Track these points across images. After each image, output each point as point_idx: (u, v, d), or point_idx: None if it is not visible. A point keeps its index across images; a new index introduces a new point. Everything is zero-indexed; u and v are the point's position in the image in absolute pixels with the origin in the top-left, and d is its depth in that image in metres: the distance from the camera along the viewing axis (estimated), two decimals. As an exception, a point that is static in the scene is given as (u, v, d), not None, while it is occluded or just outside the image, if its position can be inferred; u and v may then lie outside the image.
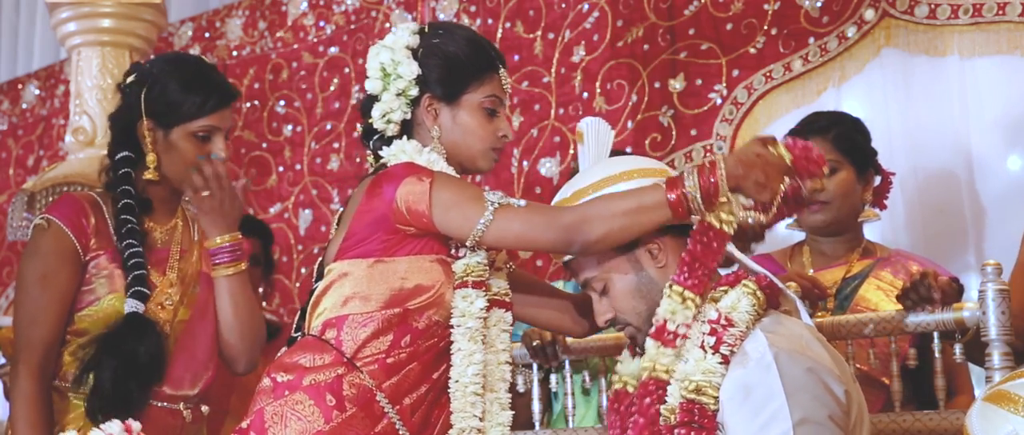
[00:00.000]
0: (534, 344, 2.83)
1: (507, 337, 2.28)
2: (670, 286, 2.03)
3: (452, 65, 2.27)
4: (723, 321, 1.95)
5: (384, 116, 2.28)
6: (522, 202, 2.14)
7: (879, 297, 2.84)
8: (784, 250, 3.09)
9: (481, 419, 2.21)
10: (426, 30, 2.32)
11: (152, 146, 2.60)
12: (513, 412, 2.28)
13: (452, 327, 2.19)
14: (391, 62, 2.28)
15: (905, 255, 3.01)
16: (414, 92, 2.27)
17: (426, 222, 2.15)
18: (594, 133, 2.21)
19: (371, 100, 2.31)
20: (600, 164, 2.17)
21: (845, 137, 2.94)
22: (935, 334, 2.57)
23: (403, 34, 2.30)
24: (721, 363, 1.93)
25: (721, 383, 1.91)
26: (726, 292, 2.00)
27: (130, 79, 2.68)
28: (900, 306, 2.57)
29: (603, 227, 2.05)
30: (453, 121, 2.28)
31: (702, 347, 1.95)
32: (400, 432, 2.15)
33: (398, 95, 2.27)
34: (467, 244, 2.16)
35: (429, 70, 2.27)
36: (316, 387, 2.13)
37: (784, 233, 3.21)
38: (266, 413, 2.14)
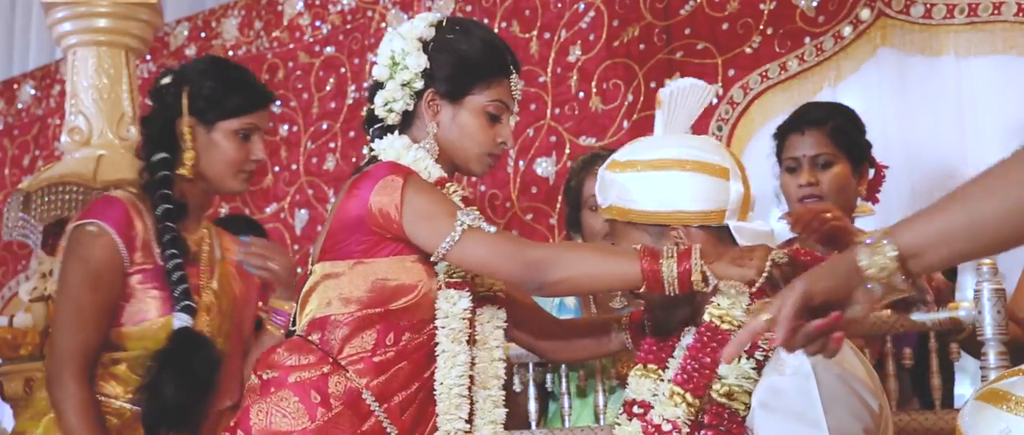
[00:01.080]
0: None
1: (500, 334, 2.27)
2: (671, 389, 1.96)
3: (460, 63, 2.24)
4: None
5: (386, 104, 2.26)
6: (492, 229, 2.11)
7: None
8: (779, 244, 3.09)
9: (468, 420, 2.20)
10: (444, 24, 2.28)
11: (192, 143, 2.57)
12: (507, 409, 2.27)
13: (436, 328, 2.18)
14: (401, 51, 2.25)
15: None
16: (419, 85, 2.24)
17: (396, 229, 2.13)
18: (672, 101, 2.11)
19: (377, 86, 2.29)
20: (667, 140, 2.08)
21: (841, 130, 2.91)
22: (931, 334, 2.57)
23: (419, 24, 2.27)
24: (755, 368, 1.89)
25: (753, 389, 1.89)
26: (767, 303, 1.94)
27: (166, 80, 2.65)
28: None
29: (566, 273, 2.04)
30: (452, 120, 2.25)
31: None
32: (388, 430, 2.14)
33: (403, 85, 2.25)
34: (431, 258, 2.15)
35: (437, 65, 2.24)
36: (301, 384, 2.13)
37: (780, 228, 3.21)
38: (252, 411, 2.14)
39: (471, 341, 2.24)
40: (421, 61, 2.23)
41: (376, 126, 2.29)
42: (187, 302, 2.50)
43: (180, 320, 2.48)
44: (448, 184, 2.21)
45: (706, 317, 1.96)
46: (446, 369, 2.16)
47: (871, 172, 2.98)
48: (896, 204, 3.71)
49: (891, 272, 1.44)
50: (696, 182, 2.01)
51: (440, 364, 2.17)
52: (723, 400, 1.89)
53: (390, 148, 2.24)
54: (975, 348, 2.50)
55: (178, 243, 2.52)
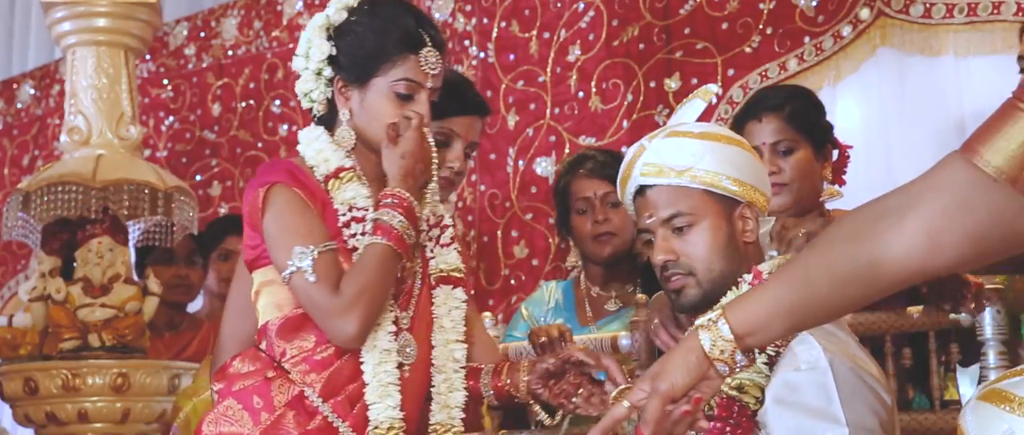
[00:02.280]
0: (541, 342, 2.83)
1: (459, 314, 2.26)
2: None
3: (361, 46, 2.20)
4: None
5: (305, 95, 2.25)
6: (312, 278, 2.08)
7: None
8: None
9: (428, 401, 2.21)
10: (355, 6, 2.24)
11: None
12: (465, 393, 2.25)
13: None
14: (308, 40, 2.23)
15: None
16: (329, 73, 2.22)
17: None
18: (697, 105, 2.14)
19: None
20: (722, 126, 2.11)
21: (799, 113, 2.82)
22: (931, 333, 2.57)
23: (331, 9, 2.23)
24: (766, 363, 1.89)
25: (764, 384, 1.89)
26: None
27: None
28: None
29: (358, 314, 2.08)
30: (361, 105, 2.21)
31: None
32: (337, 426, 2.12)
33: (316, 74, 2.22)
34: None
35: (341, 50, 2.21)
36: (244, 392, 2.15)
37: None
38: (204, 424, 2.17)
39: (426, 325, 2.23)
40: (325, 48, 2.20)
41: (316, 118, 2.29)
42: None
43: None
44: (342, 174, 2.18)
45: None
46: (370, 363, 2.13)
47: (834, 154, 2.91)
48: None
49: (730, 352, 1.50)
50: (756, 165, 2.06)
51: (364, 353, 2.14)
52: (733, 393, 1.90)
53: (304, 140, 2.24)
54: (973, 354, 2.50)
55: None
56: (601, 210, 3.20)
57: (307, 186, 2.17)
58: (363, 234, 2.14)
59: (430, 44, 2.22)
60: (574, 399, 2.22)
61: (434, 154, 2.21)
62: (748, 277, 1.98)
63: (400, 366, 2.16)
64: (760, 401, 1.87)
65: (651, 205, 2.06)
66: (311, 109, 2.27)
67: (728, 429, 1.87)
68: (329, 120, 2.26)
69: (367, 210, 2.17)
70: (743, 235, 2.02)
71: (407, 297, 2.23)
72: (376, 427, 2.11)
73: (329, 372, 2.14)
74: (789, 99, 2.86)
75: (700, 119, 2.14)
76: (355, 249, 2.14)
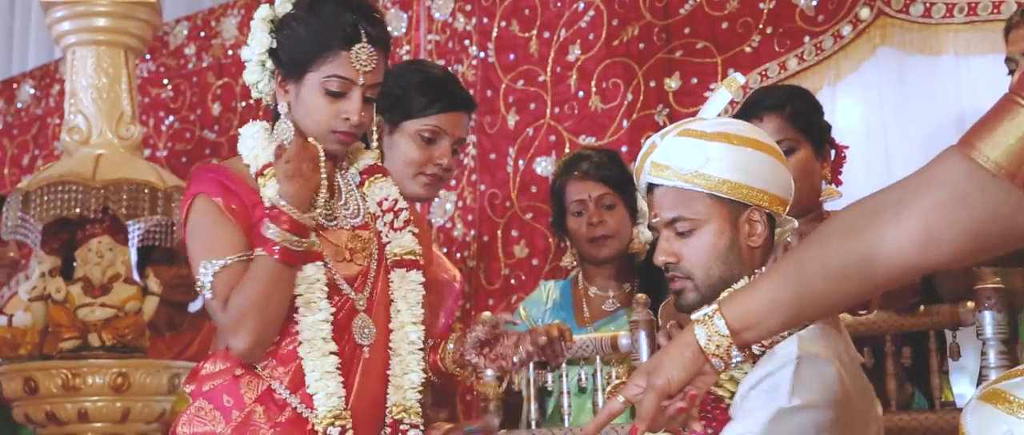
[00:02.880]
0: (540, 341, 2.83)
1: (415, 297, 2.27)
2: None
3: (294, 41, 2.21)
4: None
5: (253, 85, 2.28)
6: (209, 295, 2.15)
7: None
8: None
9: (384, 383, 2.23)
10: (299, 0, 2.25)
11: (378, 142, 2.54)
12: (425, 374, 2.27)
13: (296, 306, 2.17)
14: (251, 33, 2.25)
15: None
16: (270, 65, 2.24)
17: None
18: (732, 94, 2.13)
19: None
20: (745, 124, 2.07)
21: (799, 113, 2.82)
22: (931, 333, 2.58)
23: (277, 1, 2.25)
24: (746, 361, 1.90)
25: (741, 379, 1.89)
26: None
27: None
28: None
29: (246, 331, 2.12)
30: (297, 99, 2.22)
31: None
32: (306, 417, 2.14)
33: (261, 66, 2.25)
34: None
35: (279, 45, 2.23)
36: (214, 391, 2.18)
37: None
38: (179, 424, 2.20)
39: (384, 307, 2.25)
40: (265, 41, 2.22)
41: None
42: None
43: None
44: (267, 170, 2.19)
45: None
46: (305, 349, 2.15)
47: (832, 154, 2.91)
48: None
49: (726, 347, 1.50)
50: (778, 169, 2.02)
51: (301, 346, 2.15)
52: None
53: (242, 137, 2.28)
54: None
55: None
56: (595, 213, 3.20)
57: (232, 190, 2.19)
58: None
59: (365, 40, 2.20)
60: (515, 358, 2.26)
61: (323, 160, 2.21)
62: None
63: (360, 347, 2.20)
64: (734, 394, 1.88)
65: (657, 205, 2.06)
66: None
67: (703, 422, 1.88)
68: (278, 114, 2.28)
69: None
70: (748, 239, 2.01)
71: (363, 279, 2.24)
72: (319, 417, 2.13)
73: (295, 365, 2.16)
74: (789, 99, 2.86)
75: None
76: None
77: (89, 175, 3.71)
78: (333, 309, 2.17)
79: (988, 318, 2.47)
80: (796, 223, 2.04)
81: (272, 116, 2.29)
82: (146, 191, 3.72)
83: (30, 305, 3.75)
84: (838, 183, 2.94)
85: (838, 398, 1.87)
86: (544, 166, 4.34)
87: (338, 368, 2.15)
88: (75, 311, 3.68)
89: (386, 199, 2.31)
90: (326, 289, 2.17)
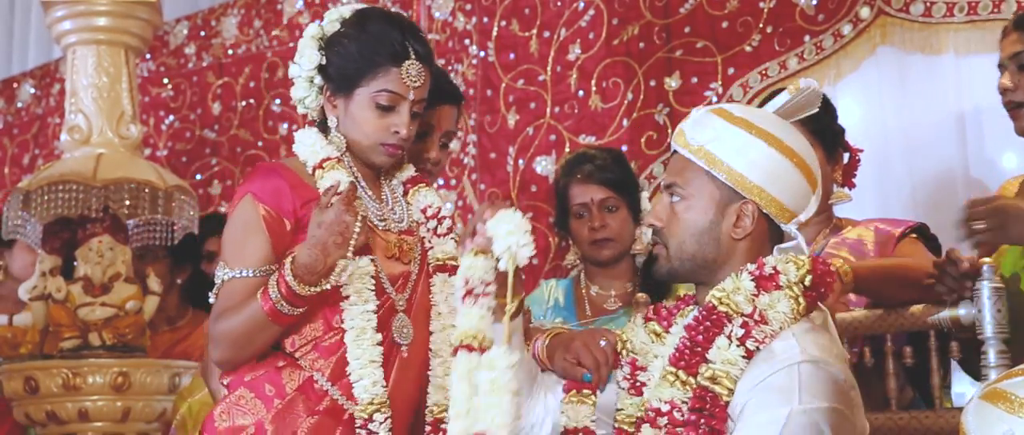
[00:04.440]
0: None
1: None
2: (664, 371, 1.97)
3: (345, 58, 2.30)
4: (757, 316, 1.91)
5: (300, 100, 2.36)
6: (212, 299, 2.24)
7: None
8: None
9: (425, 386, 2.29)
10: (347, 17, 2.34)
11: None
12: None
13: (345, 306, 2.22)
14: (300, 49, 2.34)
15: (868, 221, 2.93)
16: (319, 81, 2.33)
17: None
18: (800, 95, 2.10)
19: None
20: (786, 125, 2.05)
21: (813, 117, 2.85)
22: (931, 332, 2.57)
23: (328, 20, 2.35)
24: (744, 357, 1.89)
25: (739, 376, 1.89)
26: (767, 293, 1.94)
27: None
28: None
29: (221, 353, 2.23)
30: (346, 113, 2.32)
31: (729, 337, 1.91)
32: (345, 406, 2.21)
33: (309, 82, 2.33)
34: None
35: (329, 61, 2.32)
36: (256, 381, 2.24)
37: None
38: (215, 414, 2.25)
39: (424, 311, 2.32)
40: (314, 58, 2.31)
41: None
42: None
43: None
44: (326, 163, 2.27)
45: (708, 299, 1.97)
46: (349, 338, 2.21)
47: (846, 157, 2.93)
48: (896, 202, 3.71)
49: None
50: (792, 176, 1.99)
51: (346, 336, 2.21)
52: (707, 383, 1.90)
53: (298, 139, 2.35)
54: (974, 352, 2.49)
55: None
56: (598, 216, 3.20)
57: (282, 193, 2.25)
58: None
59: (414, 57, 2.29)
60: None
61: (359, 219, 2.20)
62: (751, 267, 1.97)
63: (398, 346, 2.27)
64: (732, 392, 1.88)
65: (668, 168, 2.09)
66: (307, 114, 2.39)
67: (703, 420, 1.88)
68: (325, 125, 2.36)
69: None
70: (732, 230, 2.00)
71: (404, 281, 2.32)
72: (361, 404, 2.19)
73: (336, 357, 2.22)
74: None
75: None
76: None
77: (89, 174, 3.71)
78: (378, 302, 2.23)
79: (988, 318, 2.46)
80: (799, 238, 2.02)
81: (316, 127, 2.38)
82: (146, 190, 3.72)
83: (31, 304, 3.75)
84: (851, 186, 2.96)
85: (844, 395, 1.88)
86: (544, 165, 4.34)
87: (381, 359, 2.21)
88: (75, 310, 3.68)
89: (430, 207, 2.40)
90: (374, 283, 2.23)
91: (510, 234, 1.94)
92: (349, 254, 2.16)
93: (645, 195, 3.29)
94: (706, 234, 2.00)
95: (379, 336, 2.21)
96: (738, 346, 1.89)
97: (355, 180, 2.31)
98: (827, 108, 2.91)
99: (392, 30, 2.30)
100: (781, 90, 2.16)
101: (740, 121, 2.00)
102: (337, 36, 2.31)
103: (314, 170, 2.29)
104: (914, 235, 2.83)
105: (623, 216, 3.20)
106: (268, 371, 2.24)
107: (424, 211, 2.40)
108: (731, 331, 1.91)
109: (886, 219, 2.97)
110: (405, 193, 2.43)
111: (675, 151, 2.06)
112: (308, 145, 2.32)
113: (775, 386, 1.86)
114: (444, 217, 2.40)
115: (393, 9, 4.83)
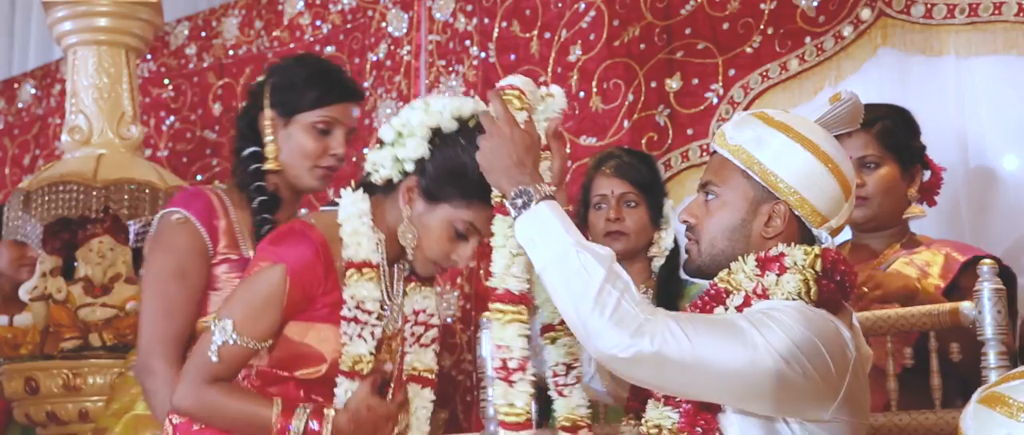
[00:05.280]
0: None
1: (425, 413, 2.30)
2: None
3: (449, 173, 2.15)
4: (759, 291, 1.93)
5: (374, 165, 2.20)
6: (212, 353, 2.11)
7: None
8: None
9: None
10: (468, 123, 2.16)
11: (273, 136, 2.62)
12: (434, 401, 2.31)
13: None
14: (410, 129, 2.15)
15: (942, 242, 2.98)
16: (409, 167, 2.16)
17: None
18: (846, 105, 2.11)
19: (379, 142, 2.22)
20: (825, 133, 2.06)
21: (889, 132, 2.92)
22: (931, 333, 2.57)
23: (447, 111, 2.16)
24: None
25: None
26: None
27: (260, 78, 2.72)
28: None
29: (206, 420, 2.14)
30: (421, 217, 2.18)
31: (725, 306, 1.95)
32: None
33: (395, 159, 2.17)
34: None
35: (432, 161, 2.15)
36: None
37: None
38: None
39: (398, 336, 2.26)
40: (421, 150, 2.14)
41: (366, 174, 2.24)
42: None
43: None
44: (366, 270, 2.15)
45: (715, 279, 2.00)
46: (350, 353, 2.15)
47: (927, 174, 3.00)
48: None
49: None
50: (827, 181, 2.00)
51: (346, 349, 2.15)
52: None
53: (345, 206, 2.20)
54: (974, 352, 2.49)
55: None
56: (615, 209, 3.20)
57: (314, 275, 2.13)
58: (359, 336, 2.14)
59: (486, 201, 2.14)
60: None
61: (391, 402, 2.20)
62: (750, 259, 1.98)
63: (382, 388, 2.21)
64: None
65: (706, 168, 2.11)
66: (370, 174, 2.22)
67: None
68: (376, 188, 2.22)
69: (371, 314, 2.15)
70: (763, 229, 2.01)
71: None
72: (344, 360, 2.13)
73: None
74: (881, 117, 2.94)
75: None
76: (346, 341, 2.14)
77: (90, 175, 3.72)
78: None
79: (988, 318, 2.46)
80: (828, 242, 2.03)
81: (362, 183, 2.23)
82: (147, 191, 3.73)
83: (31, 305, 3.75)
84: (932, 204, 3.03)
85: (833, 338, 1.89)
86: (543, 166, 4.33)
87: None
88: (76, 311, 3.68)
89: (423, 311, 2.32)
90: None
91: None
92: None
93: (670, 203, 3.29)
94: (737, 231, 2.02)
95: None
96: (735, 313, 1.93)
97: (386, 291, 2.21)
98: (907, 125, 3.00)
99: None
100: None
101: (779, 125, 2.03)
102: (453, 142, 2.14)
103: (350, 266, 2.14)
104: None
105: (641, 214, 3.19)
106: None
107: (416, 313, 2.31)
108: (730, 302, 1.95)
109: (959, 244, 3.01)
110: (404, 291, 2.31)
111: (714, 152, 2.09)
112: (354, 229, 2.16)
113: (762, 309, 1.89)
114: (432, 326, 2.31)
115: (393, 10, 4.85)
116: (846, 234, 3.09)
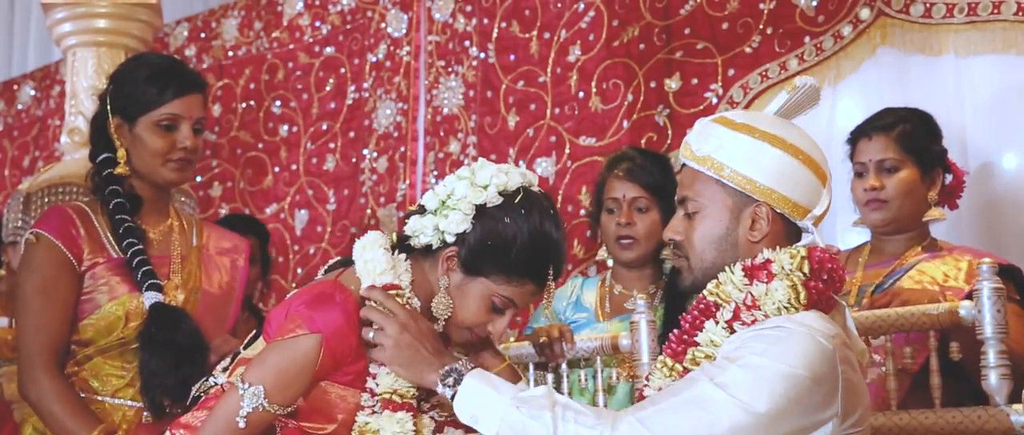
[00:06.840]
0: (541, 341, 2.83)
1: None
2: (660, 361, 2.01)
3: (493, 249, 2.10)
4: (748, 301, 1.93)
5: (413, 232, 2.15)
6: (241, 420, 2.02)
7: (910, 287, 2.83)
8: (850, 250, 3.09)
9: None
10: (515, 199, 2.11)
11: (120, 142, 2.68)
12: None
13: None
14: (454, 202, 2.12)
15: (964, 249, 2.99)
16: (450, 238, 2.11)
17: None
18: (800, 92, 2.09)
19: (421, 208, 2.17)
20: (788, 124, 2.05)
21: (909, 135, 2.94)
22: (931, 333, 2.57)
23: (494, 185, 2.10)
24: (727, 332, 1.93)
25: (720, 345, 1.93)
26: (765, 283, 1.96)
27: (106, 85, 2.77)
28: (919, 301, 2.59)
29: None
30: (459, 287, 2.13)
31: (717, 321, 1.95)
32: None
33: (436, 228, 2.13)
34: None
35: (474, 234, 2.10)
36: None
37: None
38: None
39: None
40: (463, 225, 2.10)
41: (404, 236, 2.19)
42: (152, 281, 2.58)
43: (150, 298, 2.57)
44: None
45: (704, 292, 2.01)
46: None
47: (949, 177, 3.00)
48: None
49: None
50: (800, 173, 2.00)
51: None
52: (690, 366, 1.95)
53: (363, 263, 2.13)
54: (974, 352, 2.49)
55: (133, 232, 2.62)
56: (627, 213, 3.19)
57: (344, 348, 2.08)
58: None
59: (551, 282, 2.13)
60: None
61: None
62: (737, 269, 1.98)
63: None
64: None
65: (679, 183, 2.11)
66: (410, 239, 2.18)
67: None
68: (413, 249, 2.17)
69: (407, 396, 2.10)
70: (749, 234, 2.01)
71: None
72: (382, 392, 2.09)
73: None
74: (901, 120, 2.97)
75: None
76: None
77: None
78: None
79: (988, 318, 2.46)
80: (814, 234, 2.03)
81: (399, 244, 2.18)
82: (146, 192, 3.72)
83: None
84: (953, 207, 3.04)
85: (826, 360, 1.88)
86: (544, 167, 4.34)
87: None
88: (75, 312, 3.67)
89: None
90: None
91: None
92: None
93: None
94: (724, 241, 2.03)
95: None
96: (724, 327, 1.94)
97: None
98: (928, 128, 3.01)
99: (550, 251, 2.11)
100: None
101: (742, 126, 2.02)
102: (497, 217, 2.10)
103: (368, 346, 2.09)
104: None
105: (653, 219, 3.18)
106: None
107: None
108: (720, 316, 1.95)
109: (980, 252, 2.99)
110: None
111: (684, 165, 2.08)
112: (376, 267, 2.11)
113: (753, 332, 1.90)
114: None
115: (393, 11, 4.85)
116: (866, 236, 3.10)
